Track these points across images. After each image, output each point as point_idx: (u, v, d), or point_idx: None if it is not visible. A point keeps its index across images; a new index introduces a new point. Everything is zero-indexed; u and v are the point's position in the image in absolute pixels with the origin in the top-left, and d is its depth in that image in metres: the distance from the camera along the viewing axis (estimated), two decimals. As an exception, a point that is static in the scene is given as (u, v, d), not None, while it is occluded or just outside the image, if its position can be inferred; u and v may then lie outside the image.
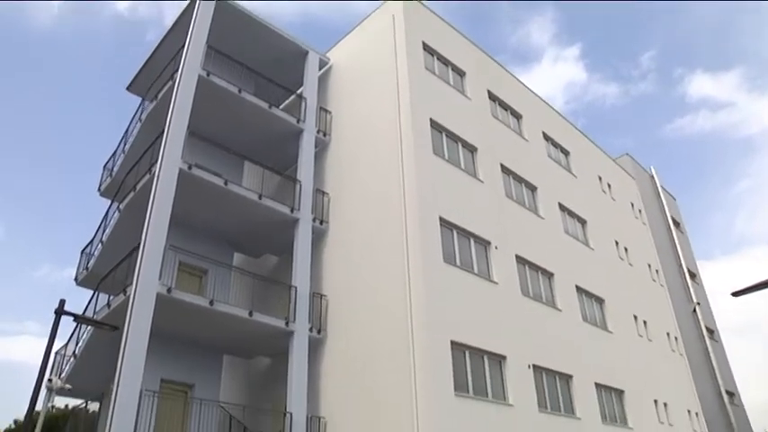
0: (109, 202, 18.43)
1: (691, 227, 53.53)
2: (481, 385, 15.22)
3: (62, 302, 12.40)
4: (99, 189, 20.39)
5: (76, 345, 16.05)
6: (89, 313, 15.13)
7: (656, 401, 22.79)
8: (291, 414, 14.94)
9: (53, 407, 30.37)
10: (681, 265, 34.98)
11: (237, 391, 18.11)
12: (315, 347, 16.53)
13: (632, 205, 30.32)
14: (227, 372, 17.83)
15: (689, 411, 25.35)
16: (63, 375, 15.86)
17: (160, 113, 16.53)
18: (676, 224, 37.27)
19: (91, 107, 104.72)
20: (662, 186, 37.60)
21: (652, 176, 37.62)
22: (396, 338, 14.56)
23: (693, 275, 36.44)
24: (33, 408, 9.87)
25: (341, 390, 15.60)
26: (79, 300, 25.77)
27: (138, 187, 15.75)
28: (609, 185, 28.36)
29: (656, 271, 29.32)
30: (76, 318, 12.87)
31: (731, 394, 32.99)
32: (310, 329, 16.42)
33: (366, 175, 17.99)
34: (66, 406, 25.90)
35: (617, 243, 25.93)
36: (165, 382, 15.16)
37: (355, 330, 15.98)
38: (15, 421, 42.79)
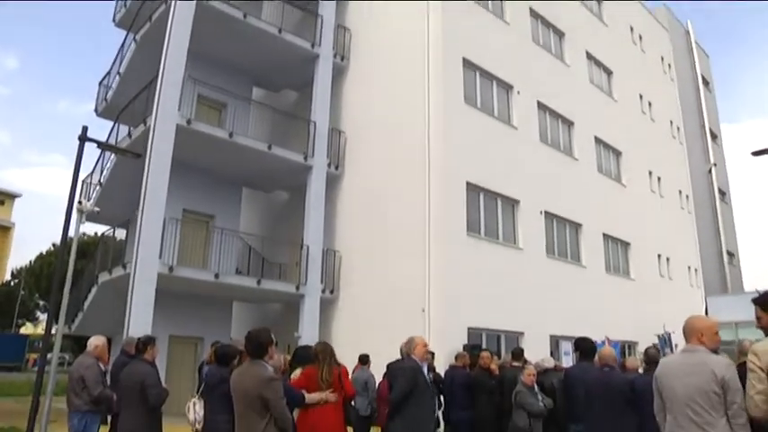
0: (125, 32, 17.97)
1: (720, 88, 51.91)
2: (493, 228, 15.70)
3: (85, 129, 12.48)
4: (114, 19, 19.78)
5: (101, 173, 16.48)
6: (111, 143, 15.36)
7: (659, 256, 23.50)
8: (308, 247, 15.64)
9: (84, 234, 32.02)
10: (703, 125, 34.37)
11: (256, 224, 18.80)
12: (332, 183, 16.88)
13: (662, 59, 29.14)
14: (247, 204, 18.43)
15: (689, 267, 26.23)
16: (91, 201, 16.48)
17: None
18: (705, 83, 36.09)
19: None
20: (696, 42, 35.90)
21: (687, 31, 35.80)
22: (412, 177, 14.81)
23: (715, 136, 35.94)
24: (68, 230, 10.30)
25: (356, 226, 16.16)
26: (100, 133, 26.05)
27: (153, 18, 15.27)
28: (640, 37, 27.08)
29: (678, 128, 28.85)
30: (100, 144, 13.04)
31: (731, 255, 33.93)
32: (328, 165, 16.69)
33: (390, 9, 17.25)
34: (96, 233, 27.16)
35: (641, 97, 25.26)
36: (187, 211, 15.73)
37: (373, 167, 16.20)
38: (54, 244, 45.64)
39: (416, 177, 14.69)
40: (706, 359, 3.89)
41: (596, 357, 6.73)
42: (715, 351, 4.02)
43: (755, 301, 4.12)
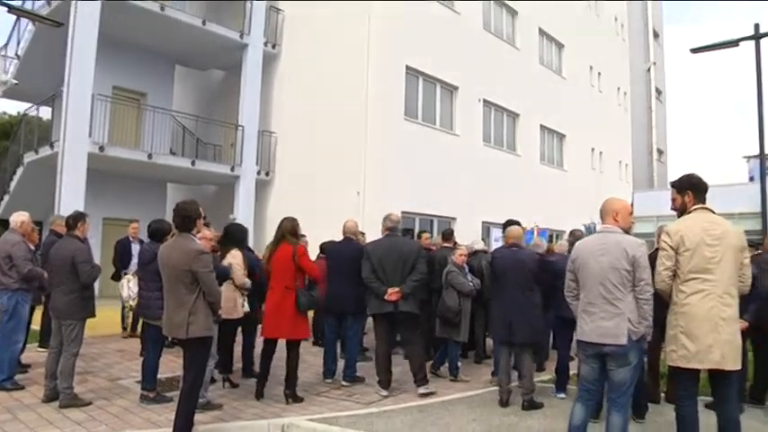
0: None
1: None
2: (431, 113, 15.72)
3: (-7, -9, 11.52)
4: None
5: (18, 45, 15.42)
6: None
7: (592, 149, 24.24)
8: (243, 127, 15.34)
9: (5, 113, 30.22)
10: (647, 24, 34.53)
11: (191, 103, 18.16)
12: (269, 63, 16.36)
13: None
14: (180, 83, 17.74)
15: (620, 162, 27.25)
16: (9, 74, 15.49)
17: None
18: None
19: None
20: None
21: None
22: (351, 58, 14.47)
23: (657, 35, 36.25)
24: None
25: (294, 107, 15.83)
26: None
27: None
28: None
29: (622, 25, 28.87)
30: (11, 9, 12.05)
31: (660, 152, 35.36)
32: (265, 44, 16.09)
33: None
34: (19, 113, 25.68)
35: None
36: (117, 89, 15.03)
37: (311, 48, 15.63)
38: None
39: (355, 59, 14.35)
40: (619, 239, 4.03)
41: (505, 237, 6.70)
42: (627, 231, 4.19)
43: (672, 184, 4.33)
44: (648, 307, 3.94)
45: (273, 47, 16.38)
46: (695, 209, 4.13)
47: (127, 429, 4.86)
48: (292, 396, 5.84)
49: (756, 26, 11.91)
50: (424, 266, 6.40)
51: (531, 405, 5.81)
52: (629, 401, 4.11)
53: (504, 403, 5.92)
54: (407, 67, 14.81)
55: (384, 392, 6.21)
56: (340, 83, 14.66)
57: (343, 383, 6.64)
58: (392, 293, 6.13)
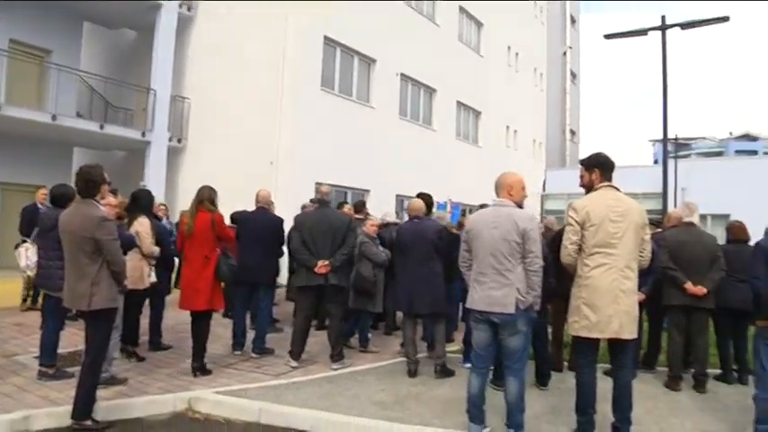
0: None
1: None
2: (348, 85, 15.80)
3: None
4: None
5: None
6: None
7: (507, 127, 25.04)
8: (155, 91, 14.89)
9: None
10: (565, 10, 35.70)
11: (101, 64, 17.34)
12: (184, 26, 15.85)
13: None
14: (89, 42, 16.88)
15: (534, 141, 28.32)
16: None
17: None
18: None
19: None
20: None
21: None
22: (269, 26, 14.27)
23: (574, 21, 37.58)
24: None
25: (209, 73, 15.46)
26: None
27: None
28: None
29: (541, 9, 29.73)
30: None
31: (573, 133, 36.96)
32: (180, 5, 15.57)
33: None
34: None
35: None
36: (15, 43, 14.11)
37: (228, 13, 15.21)
38: None
39: (273, 27, 14.17)
40: (511, 212, 4.17)
41: (407, 209, 6.85)
42: (520, 205, 4.32)
43: (581, 162, 4.52)
44: (537, 278, 4.10)
45: (189, 9, 15.89)
46: (601, 186, 4.28)
47: (21, 409, 4.55)
48: (200, 369, 5.76)
49: (663, 18, 12.54)
50: (354, 239, 6.43)
51: (443, 372, 5.98)
52: (525, 367, 4.23)
53: (412, 374, 6.01)
54: (326, 38, 14.78)
55: (294, 363, 6.22)
56: (256, 50, 14.44)
57: (253, 355, 6.63)
58: (322, 266, 6.07)
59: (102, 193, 4.59)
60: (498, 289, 4.08)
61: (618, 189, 4.28)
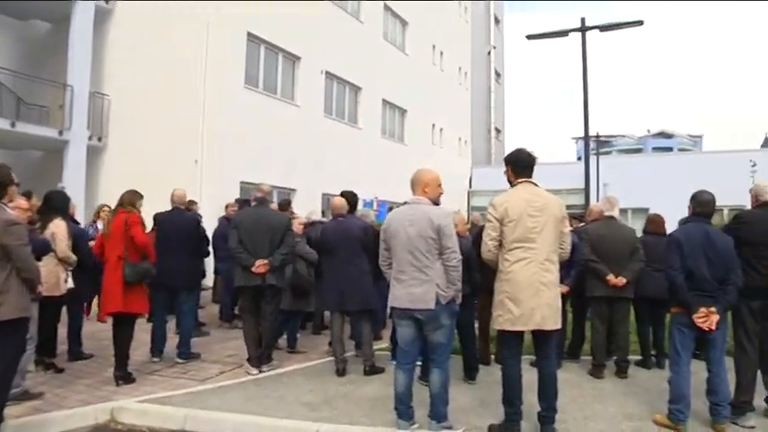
0: None
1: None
2: (272, 83, 15.80)
3: None
4: None
5: None
6: None
7: (433, 125, 25.59)
8: (73, 87, 14.42)
9: None
10: (488, 10, 36.64)
11: (10, 58, 16.52)
12: (102, 18, 15.36)
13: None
14: (-2, 34, 16.14)
15: (460, 139, 29.03)
16: None
17: None
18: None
19: None
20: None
21: None
22: (191, 20, 13.97)
23: (498, 21, 38.65)
24: None
25: (130, 69, 14.98)
26: None
27: None
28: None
29: (465, 9, 30.46)
30: None
31: (498, 131, 38.06)
32: (97, -3, 15.11)
33: None
34: None
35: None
36: None
37: (149, 6, 14.68)
38: None
39: (194, 23, 13.95)
40: (426, 209, 4.21)
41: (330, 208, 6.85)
42: (436, 202, 4.36)
43: (504, 159, 4.60)
44: (456, 273, 4.15)
45: (107, 1, 15.44)
46: (520, 182, 4.33)
47: None
48: (123, 377, 5.55)
49: (582, 20, 13.00)
50: (292, 239, 6.36)
51: (372, 370, 5.99)
52: (449, 359, 4.30)
53: (340, 373, 5.98)
54: (249, 34, 14.74)
55: (254, 371, 6.00)
56: (178, 46, 14.18)
57: (179, 361, 6.45)
58: (260, 266, 5.93)
59: (9, 195, 4.35)
60: (418, 286, 4.14)
61: (536, 184, 4.35)
